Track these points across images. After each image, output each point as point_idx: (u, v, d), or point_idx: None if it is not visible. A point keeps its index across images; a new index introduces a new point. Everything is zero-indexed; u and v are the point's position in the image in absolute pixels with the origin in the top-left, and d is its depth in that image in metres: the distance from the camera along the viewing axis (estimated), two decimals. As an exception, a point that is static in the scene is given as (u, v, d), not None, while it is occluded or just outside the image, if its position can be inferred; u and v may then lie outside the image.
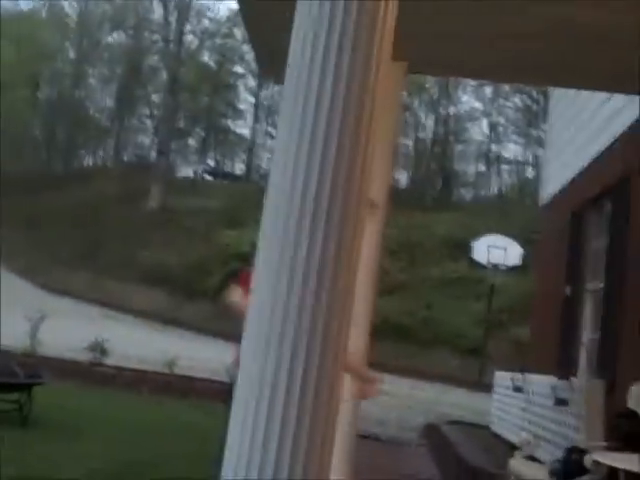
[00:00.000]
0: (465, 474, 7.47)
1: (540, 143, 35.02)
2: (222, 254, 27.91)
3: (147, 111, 45.77)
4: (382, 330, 20.31)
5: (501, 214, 30.90)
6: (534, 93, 36.68)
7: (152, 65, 44.48)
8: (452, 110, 41.78)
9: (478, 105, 42.25)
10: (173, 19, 40.50)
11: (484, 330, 21.41)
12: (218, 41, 43.04)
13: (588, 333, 8.35)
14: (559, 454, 5.94)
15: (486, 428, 10.76)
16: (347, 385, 3.97)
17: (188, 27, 41.45)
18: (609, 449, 4.90)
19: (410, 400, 15.80)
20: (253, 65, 37.38)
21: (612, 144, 8.04)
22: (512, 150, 42.85)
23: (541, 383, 7.62)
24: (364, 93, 1.82)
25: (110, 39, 46.73)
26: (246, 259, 5.13)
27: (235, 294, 4.16)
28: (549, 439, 6.90)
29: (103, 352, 13.23)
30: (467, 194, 43.69)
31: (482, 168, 43.24)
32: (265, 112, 46.38)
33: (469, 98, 42.39)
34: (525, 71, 4.96)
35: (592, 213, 8.77)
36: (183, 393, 12.29)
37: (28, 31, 41.70)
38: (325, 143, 1.78)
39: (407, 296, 26.68)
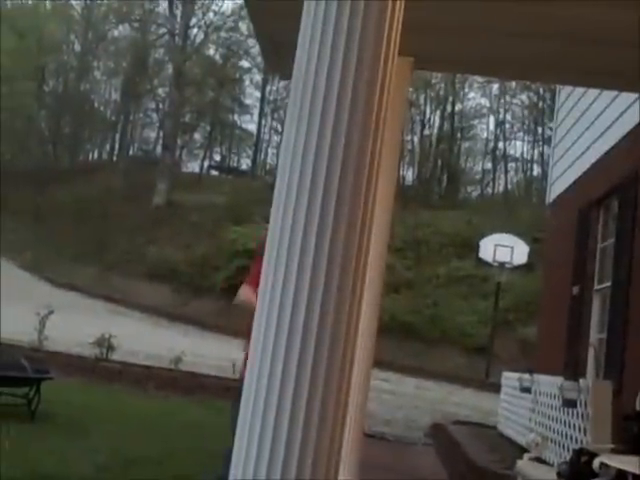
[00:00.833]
0: (472, 474, 7.43)
1: (547, 141, 34.93)
2: (228, 250, 27.87)
3: (153, 105, 45.78)
4: (388, 328, 20.33)
5: (507, 212, 30.84)
6: (541, 90, 36.58)
7: (158, 58, 44.43)
8: (458, 107, 41.65)
9: (485, 102, 42.18)
10: (179, 12, 40.40)
11: (491, 329, 21.37)
12: (223, 35, 42.85)
13: (596, 333, 8.30)
14: (567, 456, 5.90)
15: (493, 428, 10.73)
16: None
17: (194, 20, 41.32)
18: (617, 451, 4.86)
19: (417, 399, 15.77)
20: (259, 59, 37.35)
21: (619, 142, 7.99)
22: (519, 148, 42.80)
23: (549, 383, 7.57)
24: (372, 90, 1.80)
25: (116, 32, 46.80)
26: (252, 255, 5.08)
27: (246, 293, 4.11)
28: (557, 440, 6.85)
29: (110, 347, 13.23)
30: (473, 192, 43.57)
31: (488, 166, 43.10)
32: (271, 107, 46.32)
33: (475, 95, 42.32)
34: (533, 68, 4.92)
35: (599, 212, 8.72)
36: (189, 389, 12.28)
37: (33, 23, 41.33)
38: (333, 141, 1.76)
39: (413, 294, 26.63)
